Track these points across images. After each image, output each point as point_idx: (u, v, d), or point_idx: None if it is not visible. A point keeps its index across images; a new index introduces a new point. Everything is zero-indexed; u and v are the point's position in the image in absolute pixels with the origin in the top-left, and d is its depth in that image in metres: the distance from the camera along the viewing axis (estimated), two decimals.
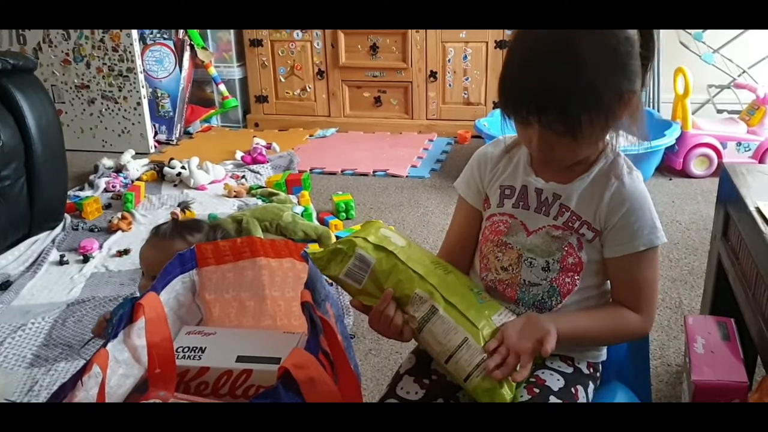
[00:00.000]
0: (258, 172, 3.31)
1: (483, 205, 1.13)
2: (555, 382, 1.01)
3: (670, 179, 3.11)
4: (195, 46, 3.93)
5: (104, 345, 0.85)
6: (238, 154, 3.51)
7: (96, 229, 2.71)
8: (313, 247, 2.38)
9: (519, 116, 0.96)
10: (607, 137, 1.05)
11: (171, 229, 1.45)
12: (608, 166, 1.04)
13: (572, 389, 1.01)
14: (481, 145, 1.19)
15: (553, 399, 0.98)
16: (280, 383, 0.77)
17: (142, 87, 3.69)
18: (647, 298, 1.05)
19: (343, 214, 2.75)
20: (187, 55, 3.92)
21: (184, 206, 1.96)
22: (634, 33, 0.93)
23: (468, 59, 3.78)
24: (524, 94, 0.93)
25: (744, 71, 3.44)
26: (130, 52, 3.63)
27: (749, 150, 3.10)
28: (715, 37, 3.41)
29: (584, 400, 1.03)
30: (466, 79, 3.82)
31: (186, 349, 0.98)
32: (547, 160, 1.02)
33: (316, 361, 0.82)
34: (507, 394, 0.93)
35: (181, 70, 3.91)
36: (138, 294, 1.45)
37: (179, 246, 1.37)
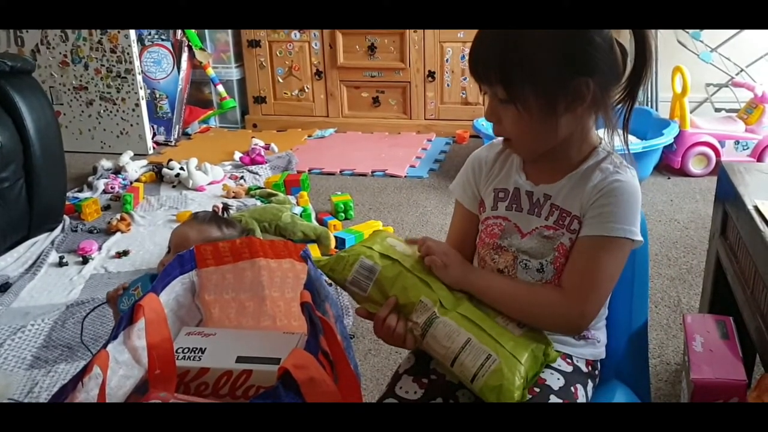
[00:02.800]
0: (256, 173, 3.31)
1: (479, 209, 1.13)
2: (555, 381, 1.01)
3: (669, 178, 3.12)
4: (193, 47, 3.93)
5: (104, 346, 0.85)
6: (237, 155, 3.51)
7: (95, 231, 2.71)
8: (313, 248, 2.38)
9: (478, 83, 1.00)
10: (600, 136, 1.06)
11: (210, 217, 1.48)
12: (596, 163, 1.03)
13: (572, 388, 1.02)
14: (479, 145, 1.19)
15: (553, 398, 0.98)
16: (280, 383, 0.77)
17: (141, 88, 3.69)
18: (586, 285, 0.99)
19: (342, 214, 2.75)
20: (185, 56, 3.92)
21: (225, 206, 2.02)
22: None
23: (466, 59, 3.77)
24: (475, 59, 0.98)
25: (742, 70, 3.44)
26: (128, 54, 3.63)
27: (747, 148, 3.10)
28: (713, 35, 3.41)
29: (583, 399, 1.03)
30: (464, 79, 3.83)
31: (186, 350, 0.98)
32: (505, 139, 1.04)
33: (316, 361, 0.82)
34: (516, 391, 0.93)
35: (179, 71, 3.91)
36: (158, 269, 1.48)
37: (214, 233, 1.42)
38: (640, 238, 0.99)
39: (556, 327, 1.04)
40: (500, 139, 1.12)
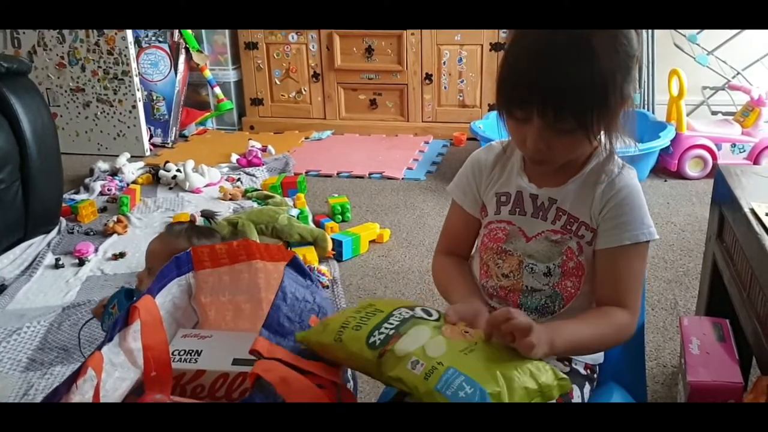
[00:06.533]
0: (253, 175, 3.31)
1: (480, 213, 1.13)
2: None
3: (665, 181, 3.12)
4: (190, 48, 3.92)
5: (99, 348, 0.85)
6: (234, 157, 3.51)
7: (91, 233, 2.70)
8: (310, 251, 2.38)
9: (522, 112, 0.93)
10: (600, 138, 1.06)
11: (183, 229, 1.47)
12: (599, 165, 1.04)
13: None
14: (476, 148, 1.18)
15: None
16: (255, 390, 0.78)
17: (138, 90, 3.69)
18: (633, 292, 1.02)
19: (339, 216, 2.75)
20: (182, 58, 3.92)
21: (208, 215, 1.94)
22: (633, 34, 0.93)
23: (463, 62, 3.79)
24: (534, 88, 0.90)
25: (738, 73, 3.45)
26: (125, 55, 3.62)
27: (744, 151, 3.11)
28: (709, 38, 3.42)
29: (579, 400, 1.03)
30: (462, 82, 3.83)
31: (182, 352, 0.98)
32: (539, 160, 1.00)
33: (280, 363, 0.83)
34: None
35: (176, 73, 3.91)
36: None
37: (182, 244, 1.40)
38: (657, 235, 1.02)
39: (623, 342, 1.05)
40: (498, 141, 1.13)
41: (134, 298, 1.30)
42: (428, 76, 3.86)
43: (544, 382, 0.79)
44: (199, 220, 1.86)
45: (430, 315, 0.89)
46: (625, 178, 1.03)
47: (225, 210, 2.87)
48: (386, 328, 0.86)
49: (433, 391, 0.77)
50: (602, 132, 0.97)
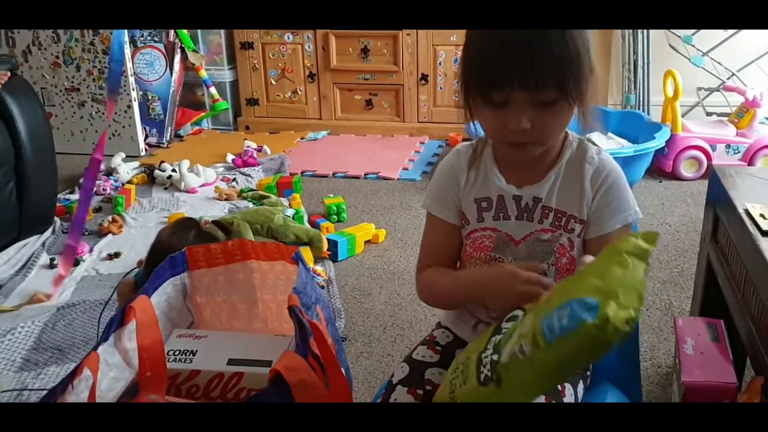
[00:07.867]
0: (249, 175, 3.31)
1: (461, 222, 1.10)
2: None
3: (660, 181, 3.13)
4: (186, 48, 3.92)
5: (95, 348, 0.85)
6: (229, 157, 3.50)
7: (86, 233, 2.69)
8: (305, 251, 2.38)
9: (501, 92, 0.93)
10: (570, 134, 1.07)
11: (194, 234, 1.46)
12: (575, 154, 1.04)
13: (558, 386, 1.01)
14: None
15: None
16: (270, 386, 0.77)
17: (133, 90, 3.68)
18: None
19: (335, 216, 2.75)
20: (177, 57, 3.91)
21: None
22: None
23: (459, 62, 3.78)
24: (512, 63, 0.90)
25: (733, 74, 3.46)
26: None
27: (738, 152, 3.12)
28: (704, 40, 3.43)
29: (572, 398, 1.02)
30: (457, 82, 3.82)
31: (177, 352, 0.98)
32: (521, 144, 0.98)
33: (307, 364, 0.82)
34: None
35: (171, 73, 3.91)
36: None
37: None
38: (641, 214, 1.05)
39: None
40: (464, 144, 1.12)
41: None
42: (424, 77, 3.86)
43: (630, 249, 0.77)
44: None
45: (517, 317, 0.90)
46: (606, 162, 1.04)
47: (220, 210, 2.87)
48: (486, 358, 0.85)
49: (547, 347, 0.75)
50: (576, 103, 0.96)
